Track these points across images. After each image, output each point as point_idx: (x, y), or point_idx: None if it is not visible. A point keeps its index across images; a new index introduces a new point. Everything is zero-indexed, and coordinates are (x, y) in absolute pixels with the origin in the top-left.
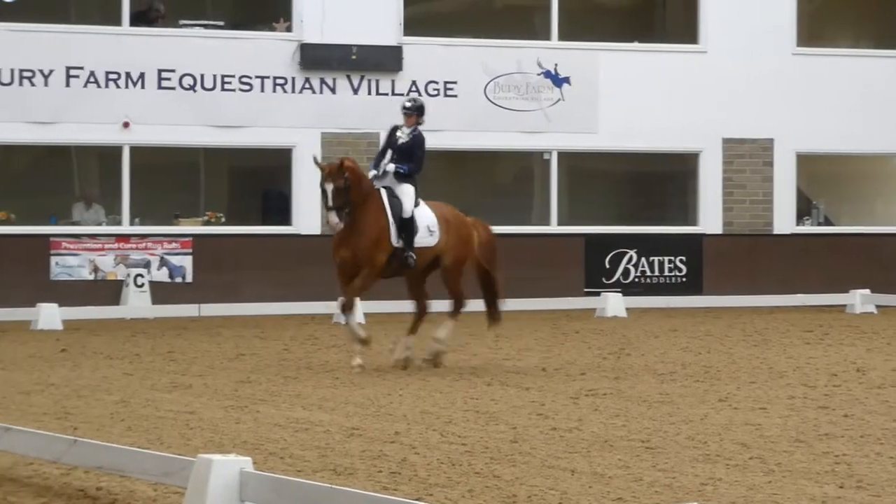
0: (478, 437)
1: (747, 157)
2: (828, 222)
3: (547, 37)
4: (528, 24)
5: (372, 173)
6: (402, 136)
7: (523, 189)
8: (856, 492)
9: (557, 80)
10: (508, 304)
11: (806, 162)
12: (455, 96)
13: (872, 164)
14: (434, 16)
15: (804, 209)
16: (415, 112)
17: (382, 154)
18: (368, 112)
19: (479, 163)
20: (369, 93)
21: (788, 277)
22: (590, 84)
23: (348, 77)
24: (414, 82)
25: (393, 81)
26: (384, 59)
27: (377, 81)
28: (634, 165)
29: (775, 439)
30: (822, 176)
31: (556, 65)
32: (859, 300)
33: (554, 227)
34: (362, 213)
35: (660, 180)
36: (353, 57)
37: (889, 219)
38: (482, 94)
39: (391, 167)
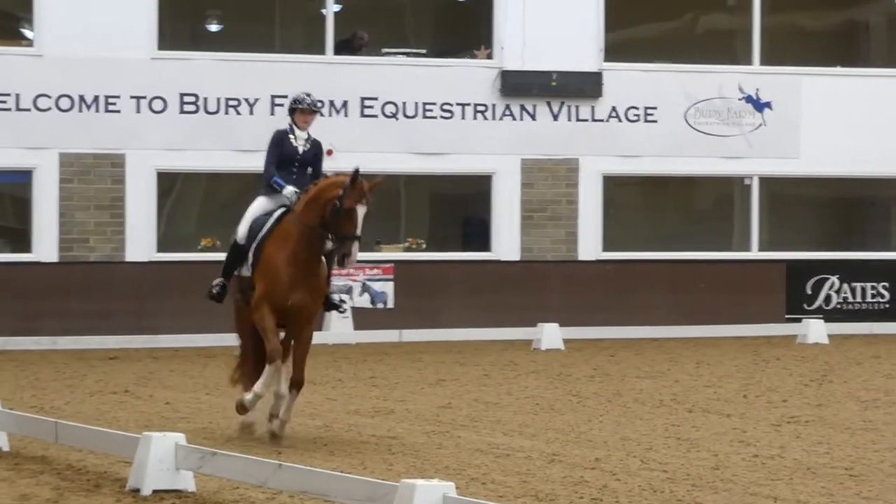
0: (679, 463)
1: None
2: None
3: (748, 61)
4: (729, 49)
5: (290, 192)
6: (299, 142)
7: (724, 215)
8: None
9: (759, 105)
10: (709, 331)
11: None
12: (655, 122)
13: None
14: (634, 41)
15: None
16: (316, 111)
17: (277, 165)
18: (568, 138)
19: (679, 188)
20: (569, 119)
21: None
22: (792, 109)
23: (548, 103)
24: (614, 108)
25: (593, 107)
26: (584, 85)
27: (577, 108)
28: (836, 190)
29: None
30: None
31: (757, 89)
32: None
33: (755, 253)
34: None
35: (862, 205)
36: (553, 83)
37: None
38: (682, 120)
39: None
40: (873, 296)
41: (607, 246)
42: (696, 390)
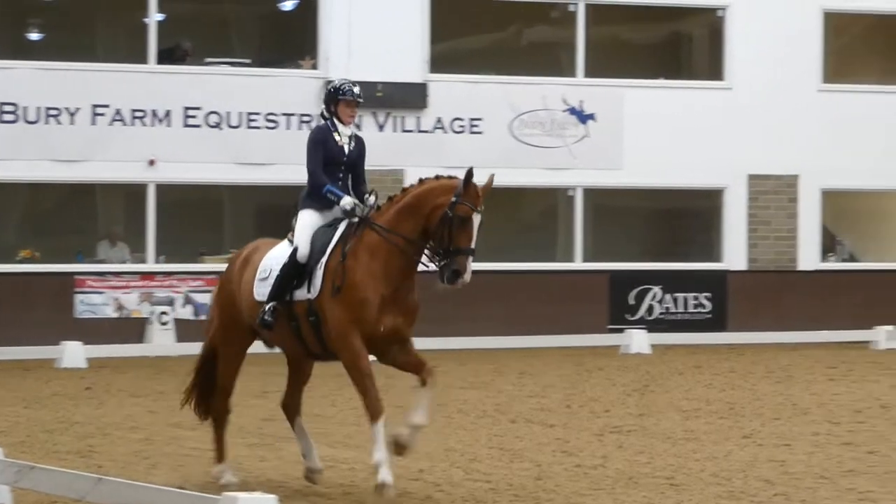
0: (502, 474)
1: (772, 194)
2: (852, 259)
3: (572, 73)
4: (553, 61)
5: (349, 202)
6: (344, 140)
7: (548, 225)
8: None
9: (583, 117)
10: (534, 341)
11: (831, 198)
12: (480, 133)
13: None
14: (460, 53)
15: (829, 246)
16: (361, 102)
17: (325, 169)
18: (393, 149)
19: (504, 200)
20: (394, 130)
21: (813, 314)
22: (615, 121)
23: (374, 114)
24: (439, 119)
25: (418, 119)
26: (409, 97)
27: (402, 119)
28: (659, 202)
29: (799, 476)
30: (847, 212)
31: (581, 101)
32: (884, 336)
33: (578, 264)
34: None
35: (684, 217)
36: (379, 94)
37: None
38: (507, 131)
39: (372, 200)
40: (696, 306)
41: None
42: (520, 401)
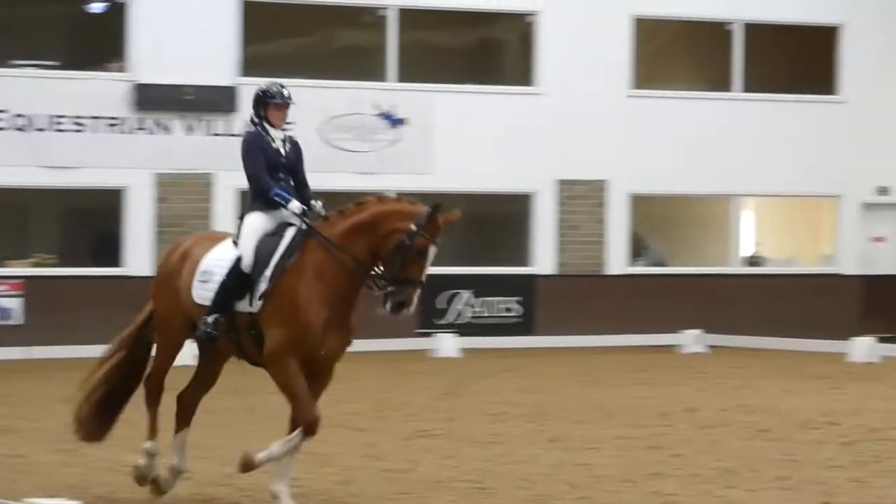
0: (310, 479)
1: (581, 199)
2: (660, 263)
3: (384, 78)
4: (365, 65)
5: (297, 207)
6: (278, 143)
7: None
8: None
9: (394, 121)
10: None
11: (640, 203)
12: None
13: (705, 206)
14: (270, 56)
15: (637, 250)
16: (290, 104)
17: (270, 173)
18: (202, 153)
19: None
20: (204, 133)
21: (621, 318)
22: (426, 125)
23: (183, 118)
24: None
25: (228, 122)
26: (219, 100)
27: (212, 122)
28: (470, 206)
29: (604, 479)
30: (655, 217)
31: (392, 106)
32: (691, 340)
33: None
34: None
35: (495, 221)
36: (188, 97)
37: (721, 260)
38: (318, 135)
39: (319, 206)
40: (505, 310)
41: None
42: (330, 405)
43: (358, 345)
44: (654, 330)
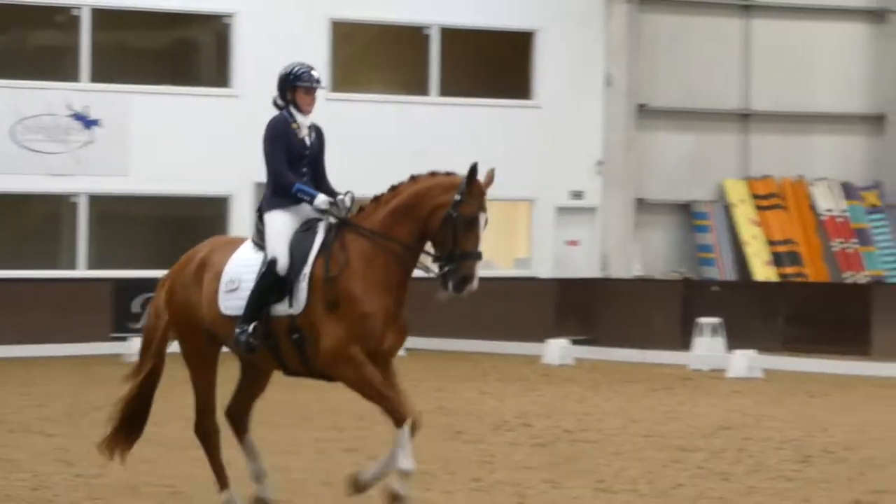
0: (1, 485)
1: None
2: None
3: (77, 78)
4: (58, 65)
5: (324, 201)
6: (304, 132)
7: (52, 233)
8: None
9: (88, 123)
10: (37, 350)
11: None
12: None
13: None
14: None
15: None
16: (320, 87)
17: (292, 166)
18: None
19: (6, 206)
20: None
21: None
22: (121, 126)
23: None
24: None
25: None
26: None
27: None
28: (166, 209)
29: (303, 482)
30: None
31: (86, 107)
32: None
33: (81, 272)
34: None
35: (191, 224)
36: None
37: None
38: (9, 136)
39: (349, 201)
40: None
41: None
42: (23, 410)
43: (50, 349)
44: None
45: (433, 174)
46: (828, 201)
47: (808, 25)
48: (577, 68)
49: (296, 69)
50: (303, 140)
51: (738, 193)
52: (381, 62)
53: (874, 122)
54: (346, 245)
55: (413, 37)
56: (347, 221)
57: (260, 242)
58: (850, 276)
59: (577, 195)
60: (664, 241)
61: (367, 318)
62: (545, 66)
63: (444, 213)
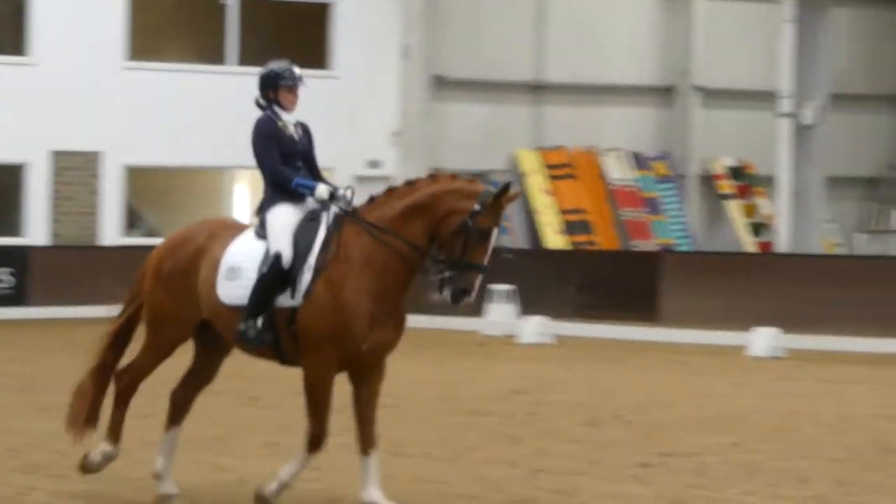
0: None
1: (76, 170)
2: (154, 234)
3: None
4: None
5: (325, 190)
6: (290, 129)
7: None
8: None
9: None
10: None
11: (135, 175)
12: None
13: (200, 178)
14: None
15: (132, 221)
16: (301, 85)
17: (286, 163)
18: None
19: None
20: None
21: (116, 288)
22: None
23: None
24: None
25: None
26: None
27: None
28: None
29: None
30: (151, 188)
31: None
32: None
33: None
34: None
35: None
36: None
37: None
38: None
39: (349, 195)
40: None
41: None
42: None
43: None
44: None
45: (454, 177)
46: (618, 171)
47: None
48: (375, 39)
49: (276, 68)
50: (291, 137)
51: (530, 163)
52: (179, 31)
53: (663, 93)
54: (346, 238)
55: (212, 6)
56: (353, 214)
57: (261, 233)
58: (639, 245)
59: (374, 164)
60: None
61: (349, 318)
62: (342, 36)
63: (459, 220)
